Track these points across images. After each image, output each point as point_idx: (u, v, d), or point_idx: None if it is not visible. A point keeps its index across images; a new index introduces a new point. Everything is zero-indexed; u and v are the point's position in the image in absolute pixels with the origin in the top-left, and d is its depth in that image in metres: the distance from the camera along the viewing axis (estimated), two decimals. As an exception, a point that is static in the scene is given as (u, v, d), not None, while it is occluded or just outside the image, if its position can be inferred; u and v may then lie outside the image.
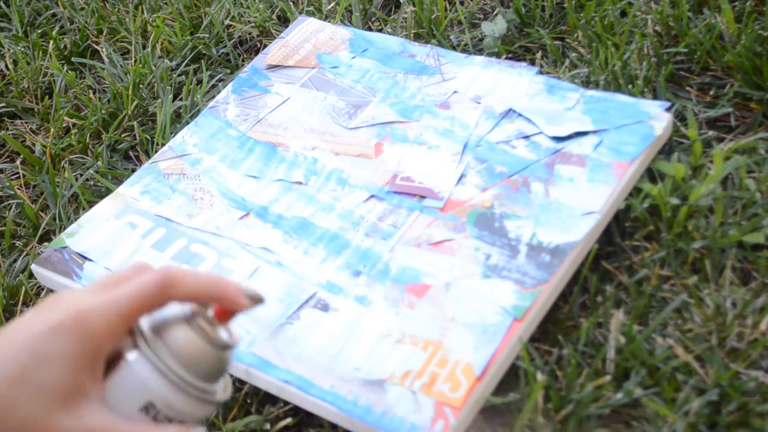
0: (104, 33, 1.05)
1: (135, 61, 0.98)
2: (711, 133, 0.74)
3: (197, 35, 0.98)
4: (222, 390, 0.50)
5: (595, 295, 0.65)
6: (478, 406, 0.60)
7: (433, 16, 0.91)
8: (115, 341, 0.46)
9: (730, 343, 0.60)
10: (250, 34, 0.99)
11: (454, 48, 0.88)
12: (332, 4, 0.97)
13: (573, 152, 0.72)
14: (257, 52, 0.97)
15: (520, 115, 0.76)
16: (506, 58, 0.85)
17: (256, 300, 0.49)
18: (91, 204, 0.83)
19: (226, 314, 0.49)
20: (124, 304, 0.46)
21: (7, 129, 0.97)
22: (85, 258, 0.74)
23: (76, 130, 0.91)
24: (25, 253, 0.81)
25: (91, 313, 0.45)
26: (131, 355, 0.47)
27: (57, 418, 0.43)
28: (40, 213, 0.86)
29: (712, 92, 0.77)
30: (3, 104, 0.98)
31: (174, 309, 0.48)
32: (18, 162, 0.92)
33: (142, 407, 0.46)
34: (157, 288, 0.46)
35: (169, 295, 0.47)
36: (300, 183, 0.76)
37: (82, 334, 0.44)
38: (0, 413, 0.42)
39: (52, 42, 1.03)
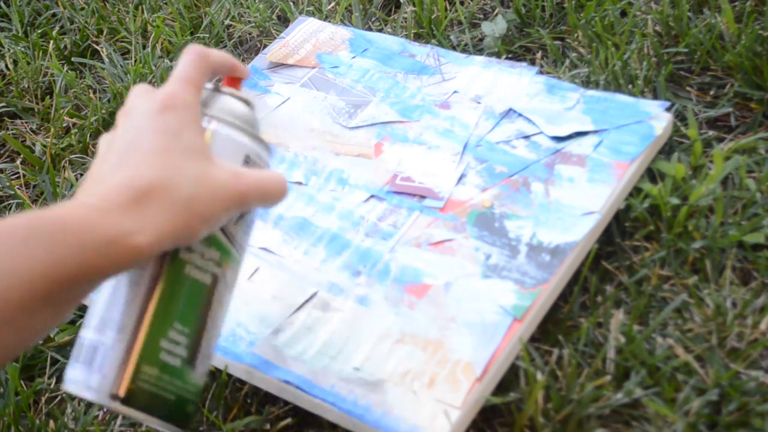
0: (104, 33, 1.05)
1: (135, 61, 0.98)
2: (711, 133, 0.74)
3: (197, 35, 0.98)
4: None
5: (595, 295, 0.65)
6: (478, 406, 0.60)
7: (433, 16, 0.91)
8: (200, 108, 0.54)
9: (730, 343, 0.60)
10: (250, 34, 0.99)
11: (454, 48, 0.88)
12: (332, 4, 0.97)
13: (573, 152, 0.72)
14: (257, 52, 0.97)
15: (520, 115, 0.76)
16: (506, 58, 0.85)
17: (248, 70, 0.60)
18: (91, 204, 0.82)
19: (235, 84, 0.59)
20: (192, 76, 0.54)
21: (7, 129, 0.97)
22: (85, 258, 0.74)
23: (76, 130, 0.91)
24: (25, 253, 0.81)
25: (176, 91, 0.52)
26: (213, 125, 0.54)
27: (211, 170, 0.50)
28: (40, 213, 0.86)
29: (712, 92, 0.77)
30: (3, 104, 0.98)
31: (203, 90, 0.56)
32: (18, 162, 0.92)
33: (243, 162, 0.54)
34: (201, 57, 0.55)
35: (209, 63, 0.56)
36: (300, 183, 0.76)
37: (182, 106, 0.52)
38: (175, 177, 0.48)
39: (52, 42, 1.03)
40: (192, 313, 0.52)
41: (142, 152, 0.49)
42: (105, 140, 0.54)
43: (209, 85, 0.57)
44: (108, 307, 0.51)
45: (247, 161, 0.55)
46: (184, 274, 0.51)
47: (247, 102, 0.57)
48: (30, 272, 0.43)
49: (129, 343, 0.50)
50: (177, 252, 0.51)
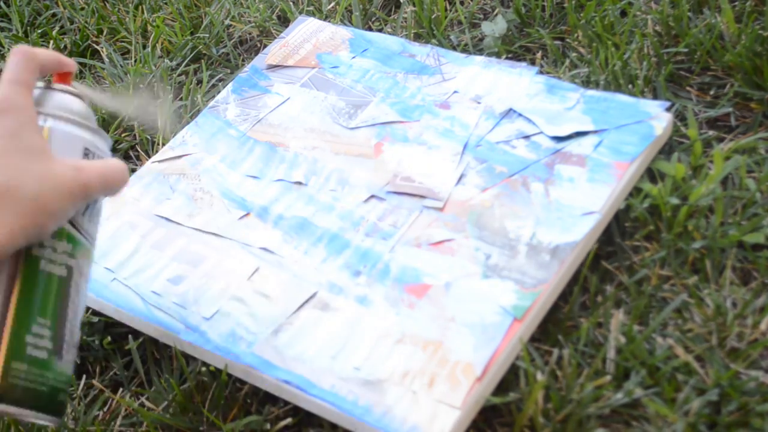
0: (104, 33, 1.05)
1: (135, 61, 0.98)
2: (711, 133, 0.74)
3: (197, 35, 0.98)
4: None
5: (595, 295, 0.65)
6: (478, 406, 0.60)
7: (433, 16, 0.91)
8: (34, 109, 0.55)
9: (730, 343, 0.60)
10: (250, 34, 0.99)
11: (454, 48, 0.88)
12: (332, 4, 0.97)
13: (573, 152, 0.72)
14: (257, 52, 0.97)
15: (520, 115, 0.76)
16: (506, 58, 0.85)
17: (74, 63, 0.61)
18: (91, 204, 0.82)
19: (65, 79, 0.60)
20: (22, 77, 0.55)
21: (7, 129, 0.97)
22: (85, 258, 0.74)
23: (76, 130, 0.91)
24: (25, 253, 0.81)
25: (8, 94, 0.54)
26: (49, 123, 0.56)
27: (52, 167, 0.53)
28: (40, 213, 0.86)
29: (712, 92, 0.77)
30: (3, 104, 0.98)
31: (35, 89, 0.58)
32: (18, 162, 0.92)
33: (83, 155, 0.57)
34: (28, 57, 0.56)
35: (37, 60, 0.56)
36: (300, 183, 0.76)
37: (16, 108, 0.53)
38: (18, 177, 0.51)
39: (52, 42, 1.03)
40: (52, 306, 0.54)
41: None
42: None
43: (41, 84, 0.58)
44: None
45: (87, 153, 0.57)
46: (39, 270, 0.54)
47: (79, 96, 0.59)
48: None
49: None
50: (30, 249, 0.54)
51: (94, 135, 0.58)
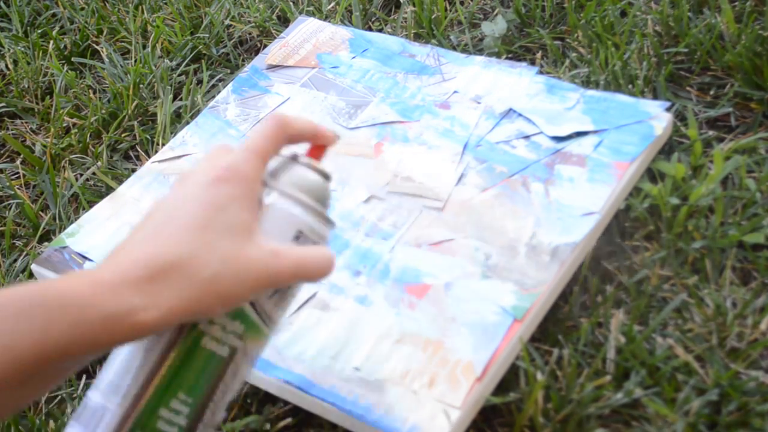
0: (104, 33, 1.05)
1: (135, 61, 0.98)
2: (711, 133, 0.74)
3: (197, 35, 0.99)
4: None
5: (595, 295, 0.65)
6: (478, 406, 0.60)
7: (433, 16, 0.91)
8: (260, 181, 0.52)
9: (730, 343, 0.60)
10: (250, 34, 0.99)
11: (454, 48, 0.88)
12: (332, 4, 0.97)
13: (573, 152, 0.72)
14: (257, 52, 0.97)
15: (520, 115, 0.76)
16: (506, 58, 0.85)
17: (336, 136, 0.57)
18: (91, 204, 0.83)
19: (317, 153, 0.56)
20: (260, 148, 0.52)
21: (7, 129, 0.97)
22: (85, 258, 0.74)
23: (76, 130, 0.91)
24: (25, 253, 0.81)
25: (238, 162, 0.51)
26: (271, 197, 0.52)
27: (246, 249, 0.49)
28: (40, 213, 0.86)
29: (712, 92, 0.77)
30: (3, 104, 0.98)
31: (277, 158, 0.55)
32: (18, 162, 0.92)
33: (294, 237, 0.52)
34: (278, 128, 0.54)
35: (287, 133, 0.54)
36: (300, 183, 0.76)
37: (239, 180, 0.50)
38: (202, 254, 0.47)
39: (52, 42, 1.03)
40: (200, 384, 0.50)
41: (177, 226, 0.48)
42: (155, 202, 0.51)
43: (287, 154, 0.54)
44: (119, 371, 0.50)
45: (298, 237, 0.52)
46: (199, 346, 0.50)
47: (322, 174, 0.55)
48: (17, 348, 0.42)
49: (128, 411, 0.49)
50: (196, 322, 0.50)
51: (315, 218, 0.53)
